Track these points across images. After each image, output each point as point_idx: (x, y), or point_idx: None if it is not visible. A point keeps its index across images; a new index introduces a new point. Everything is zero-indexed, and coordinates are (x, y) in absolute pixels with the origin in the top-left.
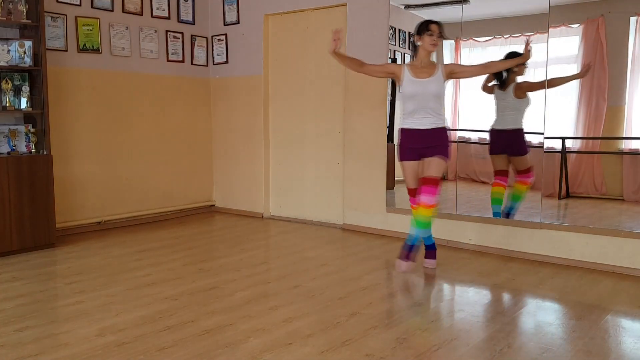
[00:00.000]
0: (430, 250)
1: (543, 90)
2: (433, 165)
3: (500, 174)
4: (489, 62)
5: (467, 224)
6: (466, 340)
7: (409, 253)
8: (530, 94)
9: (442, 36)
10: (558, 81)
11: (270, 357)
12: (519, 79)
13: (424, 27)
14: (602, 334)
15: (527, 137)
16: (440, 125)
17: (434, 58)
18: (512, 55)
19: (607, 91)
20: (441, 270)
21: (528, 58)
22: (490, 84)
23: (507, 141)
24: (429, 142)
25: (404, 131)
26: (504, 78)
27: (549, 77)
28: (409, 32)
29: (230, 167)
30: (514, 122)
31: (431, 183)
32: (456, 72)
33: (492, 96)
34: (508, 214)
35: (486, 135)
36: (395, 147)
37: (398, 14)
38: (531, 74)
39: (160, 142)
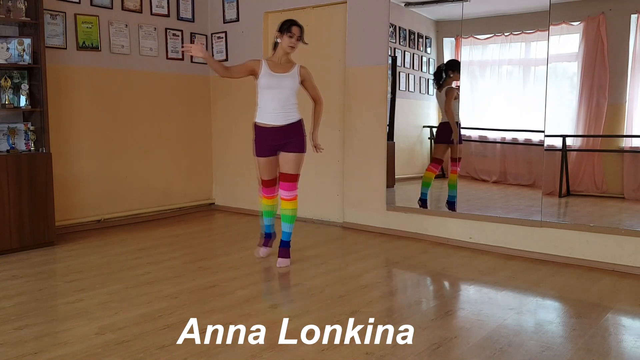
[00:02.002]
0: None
1: (543, 89)
2: (290, 162)
3: (437, 161)
4: (320, 104)
5: (467, 222)
6: (466, 339)
7: (283, 250)
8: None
9: (301, 39)
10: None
11: (270, 355)
12: (454, 84)
13: (286, 27)
14: (602, 332)
15: (525, 135)
16: (294, 120)
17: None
18: (451, 64)
19: (608, 89)
20: (441, 268)
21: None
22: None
23: (446, 133)
24: (285, 138)
25: (258, 128)
26: (441, 81)
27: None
28: (409, 30)
29: (229, 165)
30: (444, 116)
31: (290, 179)
32: (306, 83)
33: (490, 96)
34: (451, 203)
35: (487, 134)
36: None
37: (398, 11)
38: (532, 73)
39: (159, 140)
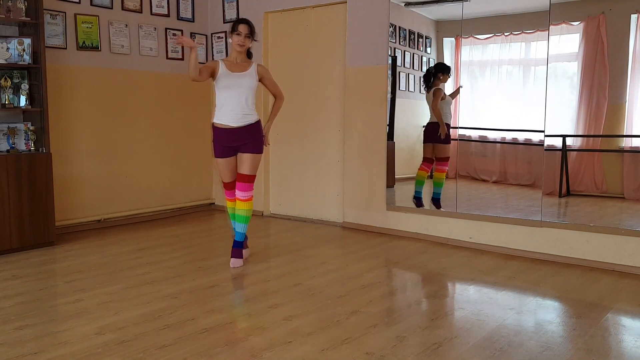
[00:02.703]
0: (237, 248)
1: (543, 88)
2: (247, 163)
3: (427, 160)
4: (280, 100)
5: (467, 222)
6: (466, 339)
7: (236, 249)
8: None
9: (251, 37)
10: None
11: (270, 356)
12: (442, 85)
13: (234, 26)
14: (602, 332)
15: (526, 135)
16: (252, 120)
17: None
18: (439, 66)
19: (608, 89)
20: (441, 268)
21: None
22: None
23: (432, 132)
24: (242, 139)
25: (216, 129)
26: (430, 83)
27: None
28: (409, 30)
29: None
30: (432, 117)
31: (246, 180)
32: (265, 81)
33: (490, 96)
34: (435, 200)
35: (487, 134)
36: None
37: (398, 11)
38: (532, 72)
39: (159, 140)
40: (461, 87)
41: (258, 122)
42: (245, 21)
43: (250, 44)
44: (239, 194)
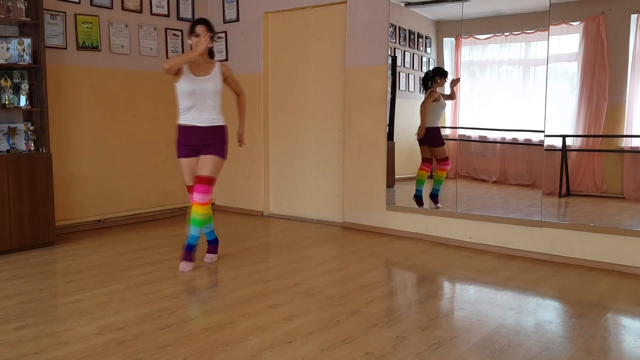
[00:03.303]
0: (212, 244)
1: (543, 89)
2: (206, 164)
3: (426, 161)
4: (243, 98)
5: (467, 222)
6: (466, 339)
7: (189, 253)
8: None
9: (210, 36)
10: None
11: (270, 356)
12: (439, 89)
13: (191, 27)
14: (602, 332)
15: (525, 135)
16: (218, 123)
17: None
18: (437, 70)
19: (608, 89)
20: (441, 268)
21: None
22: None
23: (426, 135)
24: (206, 139)
25: (181, 128)
26: (428, 86)
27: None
28: (409, 30)
29: (229, 165)
30: (428, 121)
31: (204, 182)
32: (228, 80)
33: (490, 96)
34: (433, 195)
35: (487, 134)
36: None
37: (398, 11)
38: (532, 73)
39: (159, 140)
40: (457, 79)
41: (224, 128)
42: (203, 21)
43: (211, 45)
44: (196, 197)
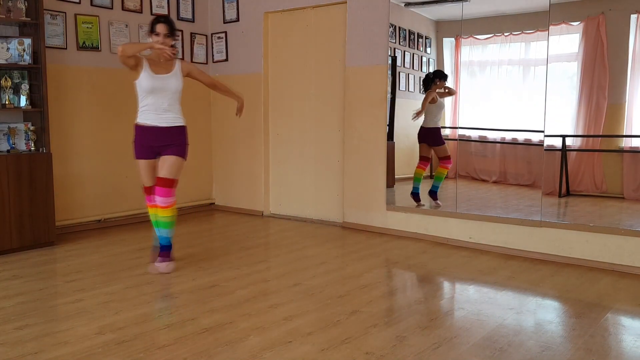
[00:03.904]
0: (165, 251)
1: (543, 89)
2: (167, 166)
3: (423, 159)
4: (219, 83)
5: (467, 222)
6: (466, 339)
7: (163, 253)
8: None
9: (171, 36)
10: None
11: (270, 355)
12: (438, 91)
13: (152, 26)
14: (602, 332)
15: (525, 135)
16: (179, 124)
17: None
18: (437, 73)
19: (608, 89)
20: (441, 268)
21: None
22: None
23: (427, 134)
24: (166, 140)
25: (139, 128)
26: (428, 87)
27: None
28: (409, 30)
29: (230, 165)
30: (428, 122)
31: (166, 184)
32: (193, 74)
33: (490, 96)
34: (432, 192)
35: (487, 134)
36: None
37: (398, 11)
38: (532, 73)
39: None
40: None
41: (185, 128)
42: (164, 20)
43: (172, 43)
44: (158, 200)
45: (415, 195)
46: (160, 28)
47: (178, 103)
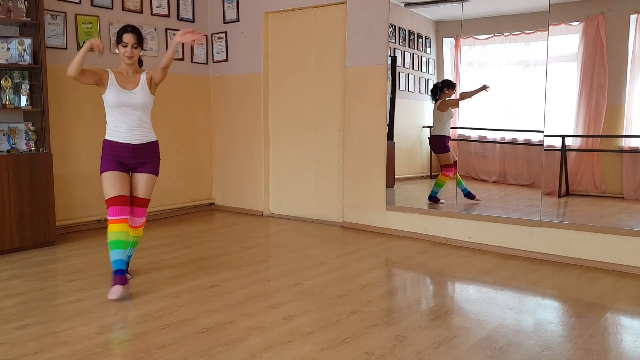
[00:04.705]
0: (121, 275)
1: (543, 89)
2: (144, 185)
3: (445, 167)
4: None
5: (467, 222)
6: (466, 338)
7: (123, 276)
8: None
9: (139, 46)
10: (466, 95)
11: (270, 355)
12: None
13: (118, 36)
14: (601, 332)
15: (525, 135)
16: (151, 139)
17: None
18: (445, 82)
19: (607, 89)
20: (441, 268)
21: None
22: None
23: (433, 142)
24: (140, 157)
25: (109, 144)
26: (437, 97)
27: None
28: (409, 30)
29: (230, 165)
30: (434, 130)
31: (143, 204)
32: (153, 77)
33: (490, 96)
34: (431, 197)
35: (486, 134)
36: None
37: (398, 11)
38: (531, 72)
39: (159, 140)
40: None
41: (156, 143)
42: (131, 29)
43: (140, 54)
44: (137, 220)
45: (433, 199)
46: (127, 38)
47: (148, 118)
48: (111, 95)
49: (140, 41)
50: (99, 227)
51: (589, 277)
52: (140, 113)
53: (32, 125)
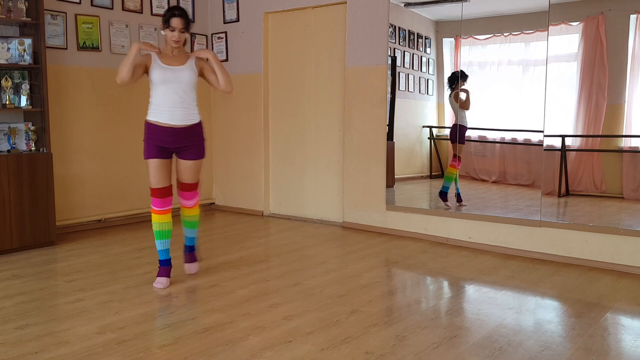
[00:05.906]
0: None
1: (542, 89)
2: (190, 171)
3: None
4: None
5: (467, 222)
6: (466, 338)
7: (192, 254)
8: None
9: (186, 30)
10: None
11: (270, 355)
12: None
13: (166, 19)
14: (601, 332)
15: (525, 135)
16: (194, 121)
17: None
18: (463, 73)
19: (607, 89)
20: (441, 268)
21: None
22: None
23: (452, 133)
24: (183, 141)
25: (151, 126)
26: (454, 85)
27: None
28: (408, 30)
29: (230, 165)
30: (458, 119)
31: (190, 188)
32: (205, 71)
33: (490, 96)
34: (442, 194)
35: (486, 134)
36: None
37: (398, 11)
38: (531, 73)
39: None
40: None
41: (200, 124)
42: (180, 14)
43: (185, 37)
44: (185, 202)
45: (443, 195)
46: (176, 22)
47: (193, 98)
48: (156, 72)
49: (187, 25)
50: (99, 227)
51: (588, 277)
52: (185, 90)
53: (32, 125)
